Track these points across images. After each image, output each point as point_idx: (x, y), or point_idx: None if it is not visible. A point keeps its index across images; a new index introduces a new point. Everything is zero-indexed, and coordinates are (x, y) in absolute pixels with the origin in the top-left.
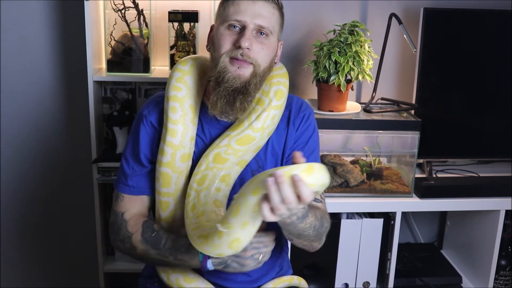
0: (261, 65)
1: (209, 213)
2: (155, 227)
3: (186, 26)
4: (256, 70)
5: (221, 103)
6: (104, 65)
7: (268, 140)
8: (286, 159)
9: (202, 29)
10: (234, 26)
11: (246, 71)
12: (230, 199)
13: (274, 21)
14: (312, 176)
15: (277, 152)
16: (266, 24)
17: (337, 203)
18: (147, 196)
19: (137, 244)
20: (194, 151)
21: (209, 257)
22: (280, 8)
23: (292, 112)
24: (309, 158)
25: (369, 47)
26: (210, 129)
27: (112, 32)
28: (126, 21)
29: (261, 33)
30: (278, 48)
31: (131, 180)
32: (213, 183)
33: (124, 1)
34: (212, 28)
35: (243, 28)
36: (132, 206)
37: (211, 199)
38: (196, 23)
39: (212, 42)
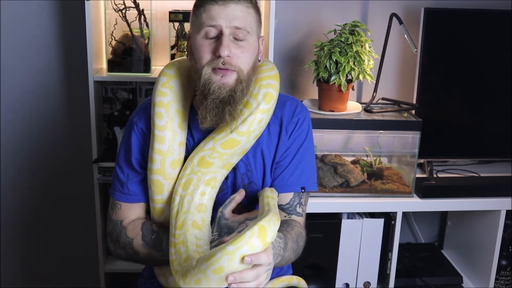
0: (244, 70)
1: (188, 233)
2: (154, 228)
3: (187, 26)
4: (240, 76)
5: (210, 116)
6: (104, 65)
7: (258, 142)
8: (275, 166)
9: None
10: (210, 35)
11: (230, 79)
12: (216, 202)
13: (250, 20)
14: (267, 236)
15: (267, 156)
16: (242, 24)
17: (338, 203)
18: (144, 203)
19: (139, 249)
20: (184, 156)
21: None
22: (254, 5)
23: (286, 117)
24: (300, 165)
25: (369, 47)
26: (198, 134)
27: (112, 32)
28: (126, 21)
29: (239, 38)
30: (260, 44)
31: (127, 188)
32: (198, 188)
33: (125, 1)
34: (189, 37)
35: (220, 35)
36: (130, 213)
37: (194, 205)
38: None
39: (192, 53)
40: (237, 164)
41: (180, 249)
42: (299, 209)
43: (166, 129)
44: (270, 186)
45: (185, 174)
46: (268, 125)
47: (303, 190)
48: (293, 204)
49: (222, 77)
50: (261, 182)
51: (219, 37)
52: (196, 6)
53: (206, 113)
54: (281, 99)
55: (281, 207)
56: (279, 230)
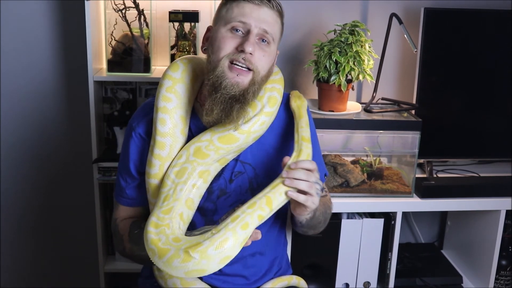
0: (260, 73)
1: (174, 220)
2: (141, 225)
3: (187, 26)
4: (255, 78)
5: (217, 110)
6: (104, 65)
7: (265, 145)
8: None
9: (203, 29)
10: (237, 30)
11: (245, 79)
12: (219, 206)
13: (276, 29)
14: (273, 204)
15: (278, 158)
16: (270, 29)
17: (338, 203)
18: (141, 206)
19: (126, 244)
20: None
21: None
22: (282, 18)
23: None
24: (317, 157)
25: (369, 47)
26: (197, 129)
27: (112, 32)
28: (126, 21)
29: (263, 40)
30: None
31: (126, 193)
32: (192, 178)
33: (125, 1)
34: (208, 29)
35: (247, 33)
36: (125, 214)
37: (184, 197)
38: (196, 23)
39: (211, 44)
40: (244, 168)
41: (165, 231)
42: (322, 193)
43: (168, 135)
44: None
45: (180, 163)
46: (274, 126)
47: (326, 177)
48: None
49: (237, 75)
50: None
51: (245, 35)
52: None
53: (213, 105)
54: (284, 97)
55: None
56: None
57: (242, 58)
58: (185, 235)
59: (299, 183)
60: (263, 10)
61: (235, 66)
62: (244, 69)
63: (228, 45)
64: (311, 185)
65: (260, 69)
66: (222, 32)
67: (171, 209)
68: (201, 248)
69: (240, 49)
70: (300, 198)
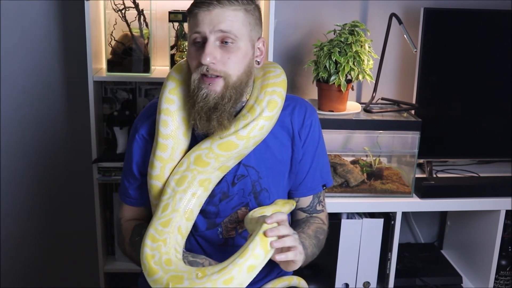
0: (233, 75)
1: (171, 234)
2: (142, 232)
3: (186, 26)
4: (228, 82)
5: (201, 123)
6: (104, 65)
7: (268, 149)
8: (296, 172)
9: None
10: (197, 41)
11: (217, 86)
12: (221, 208)
13: (239, 23)
14: (268, 244)
15: (281, 163)
16: (228, 28)
17: (338, 203)
18: (144, 207)
19: (126, 247)
20: None
21: None
22: (245, 7)
23: (296, 123)
24: (318, 166)
25: (369, 47)
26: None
27: (112, 32)
28: (126, 21)
29: (226, 42)
30: (256, 47)
31: (129, 193)
32: (192, 186)
33: (125, 1)
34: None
35: (205, 41)
36: (129, 214)
37: (183, 207)
38: None
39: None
40: (247, 171)
41: (161, 247)
42: (319, 207)
43: (170, 137)
44: (292, 192)
45: (180, 171)
46: (278, 131)
47: (324, 188)
48: (313, 205)
49: (209, 85)
50: (275, 189)
51: (204, 44)
52: (187, 12)
53: (195, 120)
54: (288, 102)
55: (302, 210)
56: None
57: (206, 70)
58: (183, 251)
59: (286, 241)
60: (214, 12)
61: (205, 76)
62: (213, 77)
63: (194, 60)
64: (295, 238)
65: (230, 72)
66: (188, 46)
67: (169, 221)
68: (180, 287)
69: (199, 62)
70: (290, 256)
